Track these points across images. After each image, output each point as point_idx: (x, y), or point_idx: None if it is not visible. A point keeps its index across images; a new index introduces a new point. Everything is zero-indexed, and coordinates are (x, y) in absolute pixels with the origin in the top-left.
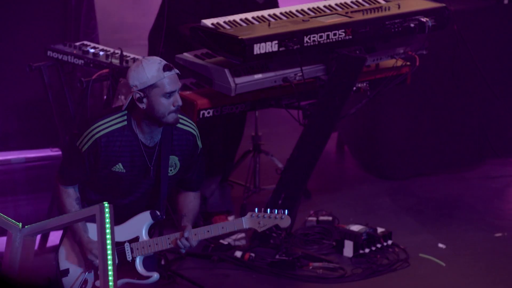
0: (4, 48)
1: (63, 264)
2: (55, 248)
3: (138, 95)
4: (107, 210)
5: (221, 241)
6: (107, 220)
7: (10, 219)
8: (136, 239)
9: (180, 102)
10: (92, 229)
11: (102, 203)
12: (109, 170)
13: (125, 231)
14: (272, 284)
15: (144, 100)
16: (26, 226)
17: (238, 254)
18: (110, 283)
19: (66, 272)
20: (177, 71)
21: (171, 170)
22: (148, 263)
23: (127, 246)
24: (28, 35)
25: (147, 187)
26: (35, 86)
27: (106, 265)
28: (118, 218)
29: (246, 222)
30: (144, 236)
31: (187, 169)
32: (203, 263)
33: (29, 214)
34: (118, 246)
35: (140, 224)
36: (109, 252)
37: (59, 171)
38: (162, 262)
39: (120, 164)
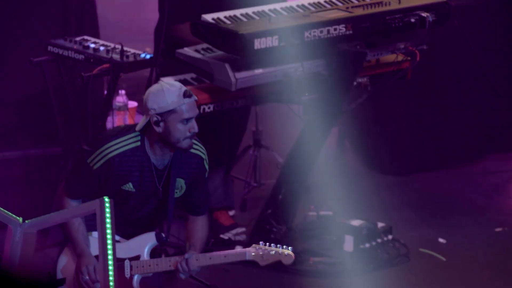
0: (4, 43)
1: (60, 274)
2: (57, 243)
3: (155, 119)
4: (107, 205)
5: (221, 236)
6: (108, 215)
7: (11, 214)
8: (137, 257)
9: (196, 129)
10: (93, 244)
11: (102, 198)
12: (119, 188)
13: (127, 248)
14: (273, 279)
15: (161, 124)
16: (26, 221)
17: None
18: (111, 278)
19: (62, 281)
20: (196, 98)
21: (176, 192)
22: (147, 284)
23: (127, 263)
24: (28, 30)
25: (154, 207)
26: (35, 81)
27: (106, 263)
28: (123, 234)
29: (249, 254)
30: (145, 255)
31: (193, 191)
32: None
33: (30, 209)
34: (119, 262)
35: (143, 244)
36: (109, 247)
37: (66, 183)
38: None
39: (130, 183)
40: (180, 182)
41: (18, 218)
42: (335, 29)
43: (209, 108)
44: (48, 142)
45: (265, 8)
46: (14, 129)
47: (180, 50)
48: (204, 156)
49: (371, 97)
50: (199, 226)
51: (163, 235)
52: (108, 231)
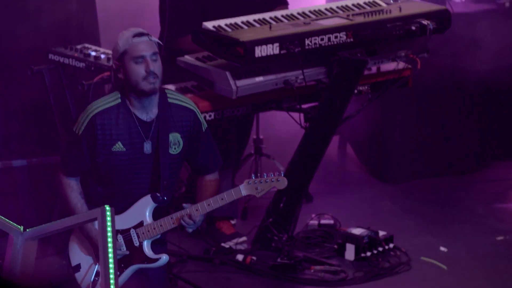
0: (5, 51)
1: (74, 260)
2: (58, 251)
3: (116, 66)
4: (108, 213)
5: (223, 244)
6: (109, 224)
7: (12, 222)
8: (140, 224)
9: (151, 68)
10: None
11: (103, 206)
12: (109, 151)
13: (129, 218)
14: (274, 287)
15: (121, 69)
16: (27, 230)
17: (240, 257)
18: (112, 287)
19: (78, 267)
20: (153, 39)
21: (175, 148)
22: (157, 246)
23: (132, 232)
24: (29, 38)
25: (151, 170)
26: (36, 89)
27: (107, 267)
28: (125, 207)
29: (244, 189)
30: (148, 219)
31: (195, 150)
32: (205, 266)
33: (31, 217)
34: (124, 233)
35: (143, 209)
36: (110, 255)
37: (61, 162)
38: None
39: (119, 142)
40: (176, 137)
41: (19, 226)
42: (336, 37)
43: (209, 116)
44: (49, 150)
45: (266, 15)
46: (15, 136)
47: (180, 58)
48: (195, 109)
49: (373, 105)
50: (206, 184)
51: (158, 194)
52: (109, 239)
